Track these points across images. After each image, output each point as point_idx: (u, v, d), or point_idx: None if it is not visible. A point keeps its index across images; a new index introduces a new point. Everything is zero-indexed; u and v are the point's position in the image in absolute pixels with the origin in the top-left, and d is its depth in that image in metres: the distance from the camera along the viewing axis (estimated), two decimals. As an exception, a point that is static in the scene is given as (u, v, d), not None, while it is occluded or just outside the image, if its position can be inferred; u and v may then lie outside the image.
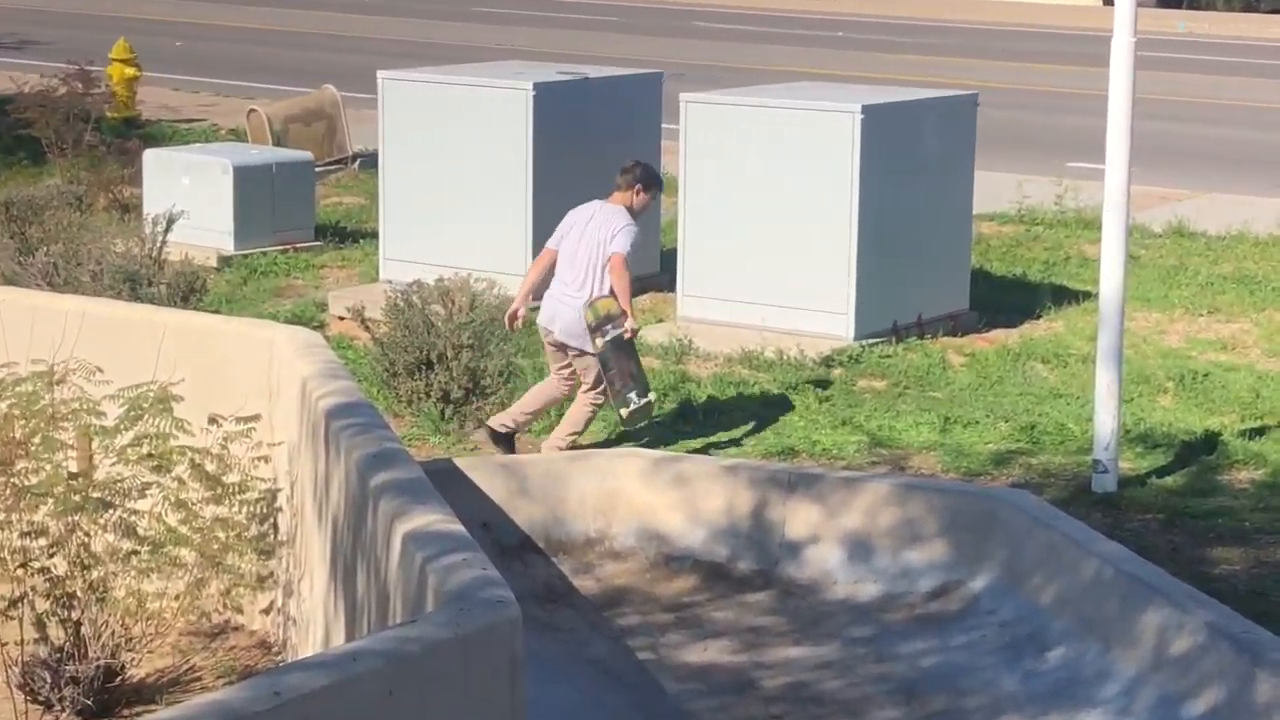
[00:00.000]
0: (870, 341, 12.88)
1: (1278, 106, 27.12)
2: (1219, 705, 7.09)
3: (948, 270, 13.70)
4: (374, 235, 15.36)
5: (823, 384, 11.95)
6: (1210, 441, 10.89)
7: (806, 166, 12.83)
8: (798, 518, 9.26)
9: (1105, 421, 10.06)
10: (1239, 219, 17.33)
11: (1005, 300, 14.35)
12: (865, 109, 12.79)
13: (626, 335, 10.38)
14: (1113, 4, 10.09)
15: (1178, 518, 9.72)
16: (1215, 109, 26.76)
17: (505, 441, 10.61)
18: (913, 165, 13.24)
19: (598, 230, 10.52)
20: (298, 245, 15.96)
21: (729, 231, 13.07)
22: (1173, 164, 20.90)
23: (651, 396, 10.59)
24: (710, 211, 13.23)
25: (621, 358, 10.43)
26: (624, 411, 10.49)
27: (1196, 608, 7.56)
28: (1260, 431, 11.11)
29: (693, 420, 11.26)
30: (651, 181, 10.83)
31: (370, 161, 17.38)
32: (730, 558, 9.23)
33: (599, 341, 10.41)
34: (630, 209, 10.66)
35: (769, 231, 12.96)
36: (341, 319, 13.16)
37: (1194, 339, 13.48)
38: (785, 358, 12.42)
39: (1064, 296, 14.48)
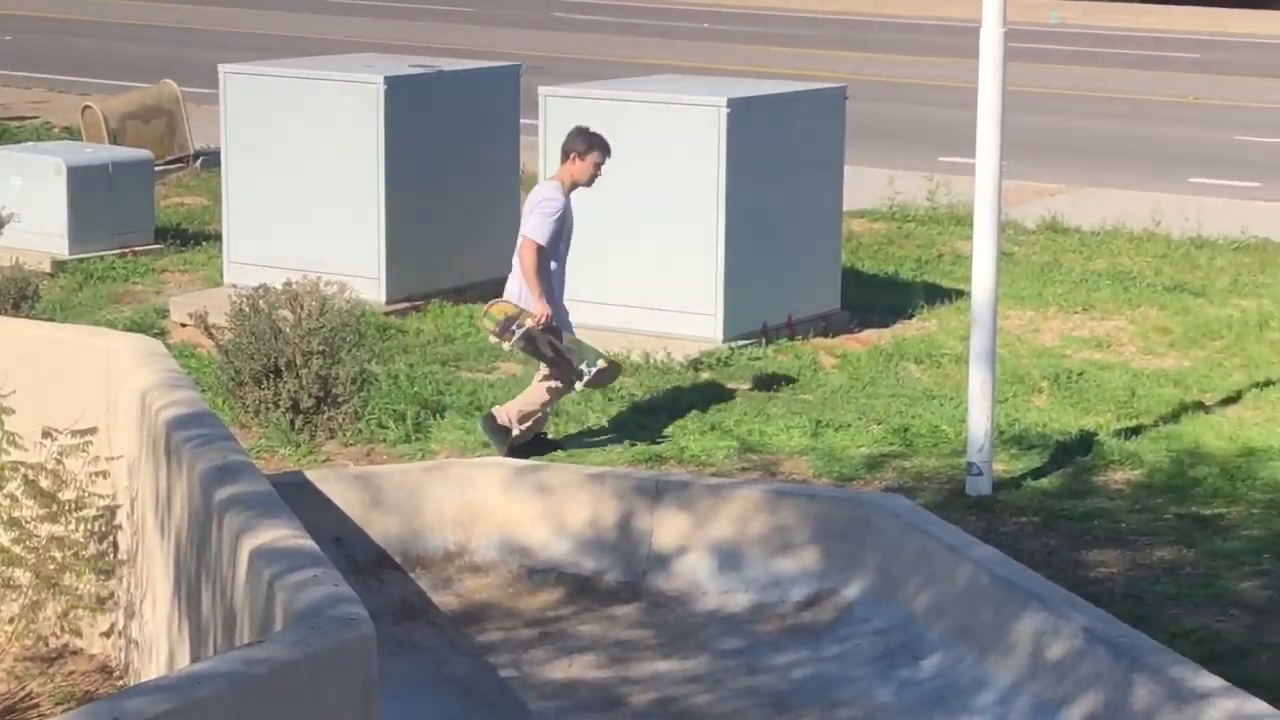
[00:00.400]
0: (740, 343, 12.95)
1: (1152, 98, 27.56)
2: (1096, 711, 7.20)
3: (818, 269, 13.80)
4: (217, 237, 15.23)
5: (692, 387, 12.01)
6: (1085, 442, 11.05)
7: (672, 163, 12.88)
8: (666, 527, 9.30)
9: (979, 423, 10.17)
10: (1113, 214, 17.60)
11: (877, 299, 14.47)
12: (731, 103, 12.85)
13: (534, 329, 10.35)
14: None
15: (1053, 520, 9.85)
16: (1089, 101, 27.15)
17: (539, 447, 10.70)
18: (781, 160, 13.33)
19: (526, 210, 10.49)
20: (136, 249, 15.78)
21: (593, 231, 13.03)
22: (1046, 158, 21.20)
23: (601, 364, 10.55)
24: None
25: (551, 341, 10.46)
26: (579, 385, 10.61)
27: (1073, 612, 7.67)
28: (1136, 431, 11.29)
29: (560, 422, 11.25)
30: (588, 146, 10.46)
31: (213, 160, 17.23)
32: (596, 570, 9.24)
33: (508, 345, 10.49)
34: (576, 182, 10.49)
35: (634, 230, 12.99)
36: (184, 326, 13.05)
37: (1068, 337, 13.66)
38: (652, 361, 12.46)
39: (937, 295, 14.63)
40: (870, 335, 13.56)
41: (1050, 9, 39.32)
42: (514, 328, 10.35)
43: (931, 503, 9.81)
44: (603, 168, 10.54)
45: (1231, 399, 12.07)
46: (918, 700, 7.89)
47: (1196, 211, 17.46)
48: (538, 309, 10.31)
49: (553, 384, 10.61)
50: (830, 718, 7.88)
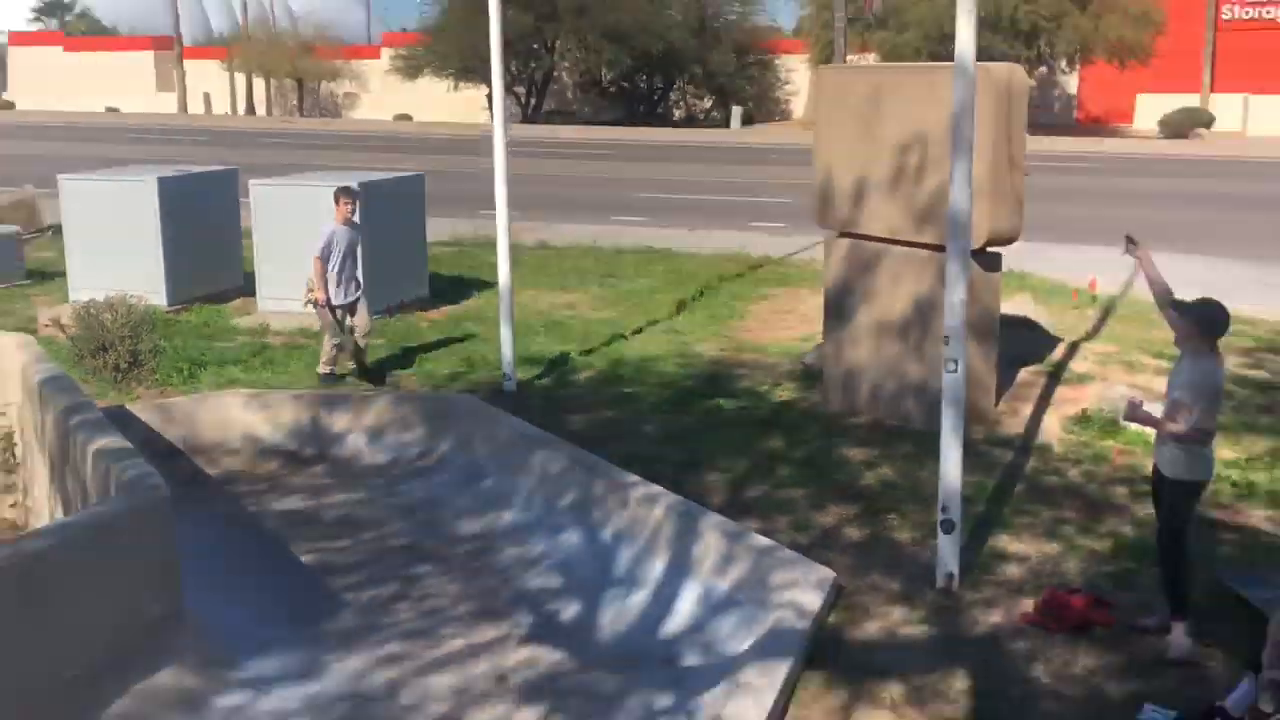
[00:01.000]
0: (374, 316, 12.72)
1: (599, 176, 28.10)
2: (576, 499, 7.48)
3: (415, 273, 13.74)
4: (64, 274, 14.20)
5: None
6: (564, 359, 11.33)
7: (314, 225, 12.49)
8: (338, 421, 9.21)
9: (507, 353, 10.34)
10: (586, 235, 17.93)
11: (451, 290, 14.47)
12: (361, 184, 12.59)
13: (312, 301, 10.21)
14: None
15: (549, 402, 10.09)
16: (567, 180, 27.51)
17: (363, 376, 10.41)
18: (386, 216, 13.20)
19: None
20: (16, 283, 14.56)
21: (291, 257, 12.72)
22: (541, 208, 21.43)
23: (339, 340, 10.27)
24: (278, 241, 12.87)
25: (325, 314, 10.26)
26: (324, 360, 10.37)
27: (563, 447, 7.94)
28: (589, 351, 11.63)
29: (271, 369, 10.94)
30: (337, 197, 10.30)
31: (59, 230, 16.00)
32: (299, 447, 9.10)
33: (303, 304, 10.40)
34: (346, 218, 10.27)
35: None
36: (47, 326, 12.17)
37: (554, 304, 13.92)
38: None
39: (483, 286, 14.72)
40: (447, 310, 13.56)
41: (544, 129, 39.43)
42: (309, 295, 10.26)
43: (485, 397, 9.93)
44: (352, 206, 10.34)
45: (637, 331, 12.47)
46: (484, 503, 8.07)
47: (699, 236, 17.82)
48: (318, 294, 10.19)
49: (332, 338, 10.46)
50: (436, 515, 7.99)
